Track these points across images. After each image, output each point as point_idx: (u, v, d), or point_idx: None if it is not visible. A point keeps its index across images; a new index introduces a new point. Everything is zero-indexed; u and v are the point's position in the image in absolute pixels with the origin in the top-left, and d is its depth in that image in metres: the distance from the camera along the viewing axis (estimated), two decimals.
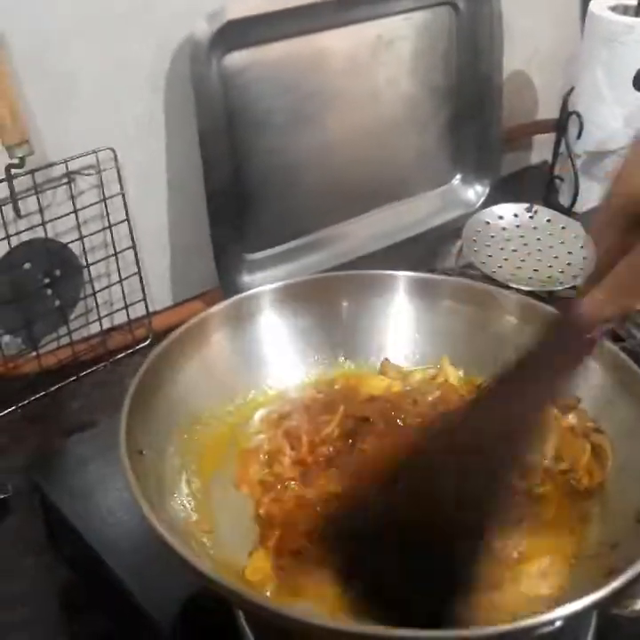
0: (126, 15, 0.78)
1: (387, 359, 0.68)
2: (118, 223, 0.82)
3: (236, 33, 0.82)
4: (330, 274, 0.72)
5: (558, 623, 0.44)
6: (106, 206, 0.81)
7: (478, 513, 0.46)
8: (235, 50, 0.83)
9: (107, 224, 0.81)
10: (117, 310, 0.85)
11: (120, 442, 0.50)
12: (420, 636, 0.45)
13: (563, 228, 0.81)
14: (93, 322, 0.84)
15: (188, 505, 0.54)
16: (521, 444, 0.48)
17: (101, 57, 0.78)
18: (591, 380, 0.59)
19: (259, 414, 0.63)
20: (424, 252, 0.99)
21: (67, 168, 0.77)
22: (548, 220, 0.83)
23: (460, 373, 0.66)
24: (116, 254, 0.83)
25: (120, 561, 0.60)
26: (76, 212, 0.79)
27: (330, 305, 0.67)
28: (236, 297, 0.65)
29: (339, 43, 0.91)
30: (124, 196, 0.81)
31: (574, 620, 0.44)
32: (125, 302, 0.85)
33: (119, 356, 0.84)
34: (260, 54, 0.85)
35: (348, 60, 0.92)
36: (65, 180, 0.78)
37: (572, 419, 0.61)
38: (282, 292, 0.66)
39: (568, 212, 1.04)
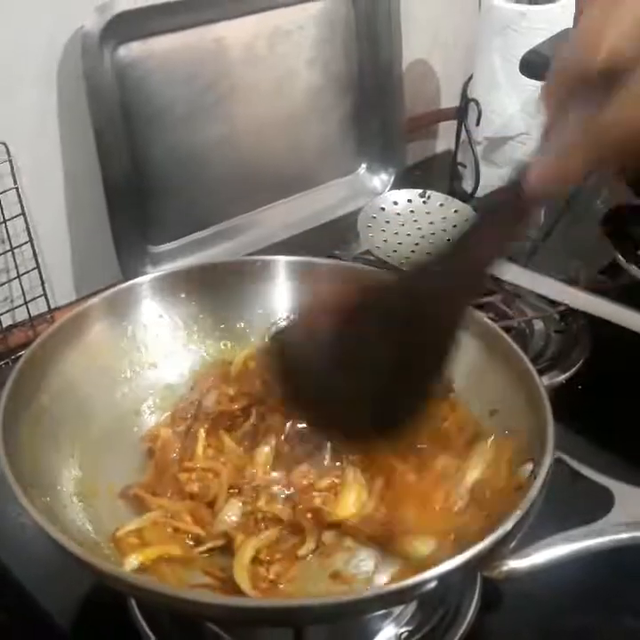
0: (13, 4, 0.77)
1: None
2: (13, 218, 0.81)
3: (128, 24, 0.81)
4: (209, 262, 0.73)
5: (430, 586, 0.45)
6: None
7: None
8: (128, 42, 0.83)
9: (1, 219, 0.80)
10: (17, 306, 0.84)
11: None
12: (314, 603, 0.46)
13: (455, 211, 0.84)
14: None
15: (74, 500, 0.55)
16: (463, 301, 0.51)
17: None
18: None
19: (162, 416, 0.64)
20: (331, 240, 1.00)
21: None
22: (441, 205, 0.85)
23: None
24: (12, 250, 0.82)
25: (14, 555, 0.60)
26: None
27: (212, 293, 0.68)
28: (112, 289, 0.66)
29: (235, 34, 0.91)
30: (18, 190, 0.80)
31: (441, 585, 0.45)
32: (25, 298, 0.84)
33: (21, 353, 0.83)
34: (154, 46, 0.85)
35: (246, 51, 0.92)
36: None
37: None
38: (161, 281, 0.67)
39: (471, 197, 1.07)
